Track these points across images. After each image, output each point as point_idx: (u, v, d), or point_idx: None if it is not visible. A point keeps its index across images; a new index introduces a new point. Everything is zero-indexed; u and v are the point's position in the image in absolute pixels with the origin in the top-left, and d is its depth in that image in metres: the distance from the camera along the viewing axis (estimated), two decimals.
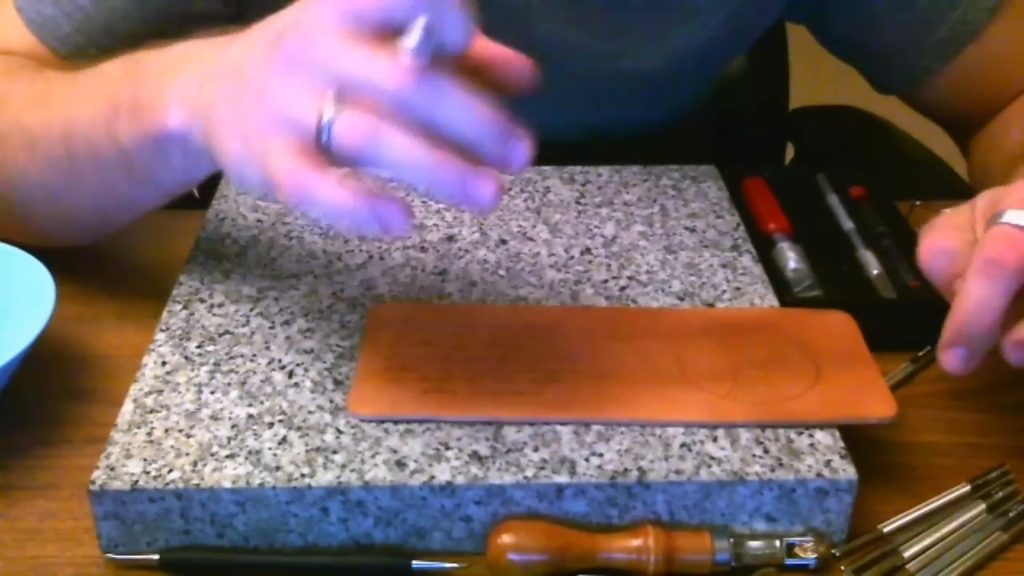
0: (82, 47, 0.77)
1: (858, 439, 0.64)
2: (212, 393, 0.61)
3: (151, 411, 0.59)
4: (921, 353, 0.71)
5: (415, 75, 0.51)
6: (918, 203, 0.82)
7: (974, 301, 0.57)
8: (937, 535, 0.58)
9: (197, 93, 0.59)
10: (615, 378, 0.61)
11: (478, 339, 0.59)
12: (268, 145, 0.53)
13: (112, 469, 0.56)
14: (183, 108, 0.59)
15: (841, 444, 0.58)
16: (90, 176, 0.68)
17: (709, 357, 0.63)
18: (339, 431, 0.58)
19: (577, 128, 0.89)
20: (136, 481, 0.55)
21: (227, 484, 0.55)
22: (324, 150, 0.51)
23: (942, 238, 0.60)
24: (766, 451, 0.57)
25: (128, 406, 0.60)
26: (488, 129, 0.51)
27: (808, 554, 0.56)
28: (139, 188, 0.67)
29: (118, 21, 0.77)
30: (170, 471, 0.55)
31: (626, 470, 0.56)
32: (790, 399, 0.60)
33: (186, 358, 0.63)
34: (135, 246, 0.78)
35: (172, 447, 0.57)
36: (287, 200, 0.52)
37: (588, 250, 0.73)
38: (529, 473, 0.56)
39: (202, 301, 0.68)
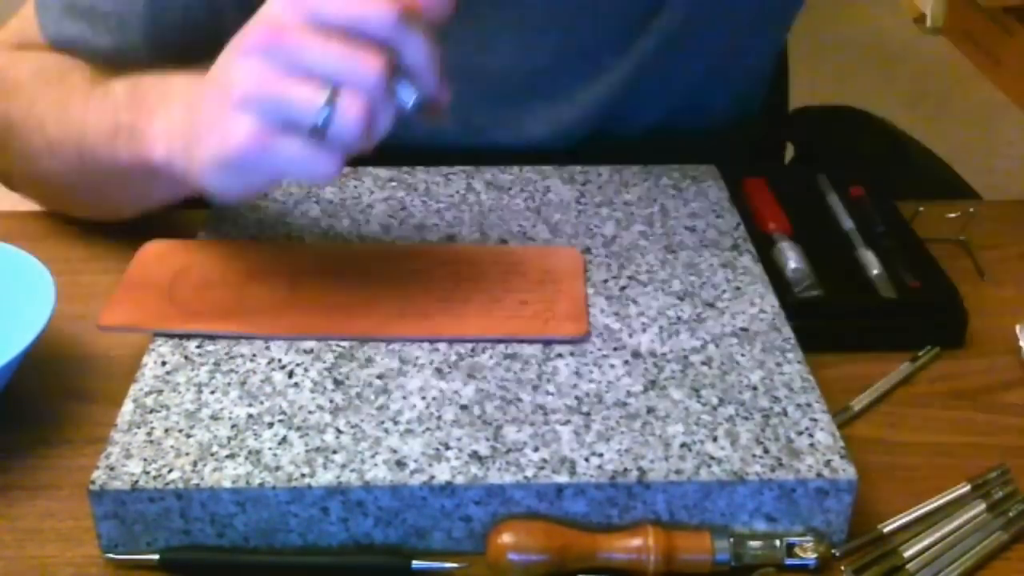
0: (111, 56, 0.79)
1: (858, 439, 0.64)
2: (212, 393, 0.61)
3: (151, 411, 0.59)
4: (921, 353, 0.71)
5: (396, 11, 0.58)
6: (922, 208, 0.82)
7: None
8: (937, 535, 0.58)
9: (180, 126, 0.64)
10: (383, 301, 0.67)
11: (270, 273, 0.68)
12: (274, 142, 0.58)
13: (112, 469, 0.56)
14: (166, 141, 0.65)
15: (841, 444, 0.58)
16: (100, 182, 0.73)
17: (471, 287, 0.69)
18: (339, 431, 0.58)
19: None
20: (136, 481, 0.55)
21: (227, 484, 0.55)
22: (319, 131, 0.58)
23: None
24: (766, 451, 0.57)
25: (128, 406, 0.60)
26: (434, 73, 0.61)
27: (808, 554, 0.56)
28: (140, 198, 0.73)
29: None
30: (170, 471, 0.55)
31: (626, 470, 0.56)
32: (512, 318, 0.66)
33: (186, 358, 0.63)
34: (135, 246, 0.77)
35: (172, 447, 0.57)
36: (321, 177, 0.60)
37: (588, 250, 0.73)
38: (529, 473, 0.56)
39: None
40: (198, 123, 0.62)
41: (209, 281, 0.69)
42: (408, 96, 0.60)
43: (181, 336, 0.65)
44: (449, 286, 0.69)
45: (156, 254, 0.71)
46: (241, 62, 0.59)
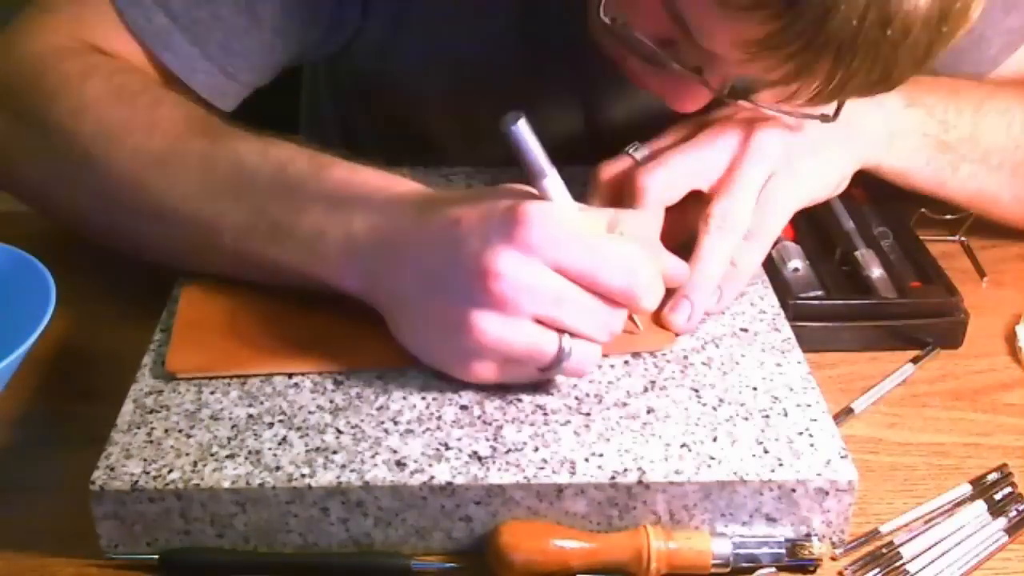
0: (193, 61, 0.75)
1: (858, 439, 0.64)
2: (212, 393, 0.61)
3: (151, 411, 0.59)
4: (921, 353, 0.71)
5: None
6: (922, 209, 0.82)
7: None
8: (937, 535, 0.58)
9: (378, 272, 0.61)
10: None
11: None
12: (509, 371, 0.59)
13: (112, 469, 0.56)
14: (362, 279, 0.62)
15: (841, 444, 0.58)
16: (229, 264, 0.67)
17: None
18: (339, 431, 0.58)
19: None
20: (136, 481, 0.55)
21: (227, 484, 0.55)
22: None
23: None
24: (766, 451, 0.57)
25: (128, 406, 0.60)
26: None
27: (808, 554, 0.56)
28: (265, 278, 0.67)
29: (238, 40, 0.76)
30: (170, 471, 0.55)
31: (626, 470, 0.56)
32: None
33: None
34: None
35: (172, 447, 0.57)
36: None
37: None
38: (529, 473, 0.56)
39: None
40: (431, 334, 0.60)
41: (272, 315, 0.65)
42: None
43: (264, 376, 0.62)
44: None
45: (203, 292, 0.67)
46: (481, 315, 0.57)
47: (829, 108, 0.67)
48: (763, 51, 0.57)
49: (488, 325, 0.57)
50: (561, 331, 0.58)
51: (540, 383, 0.61)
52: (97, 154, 0.69)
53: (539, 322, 0.58)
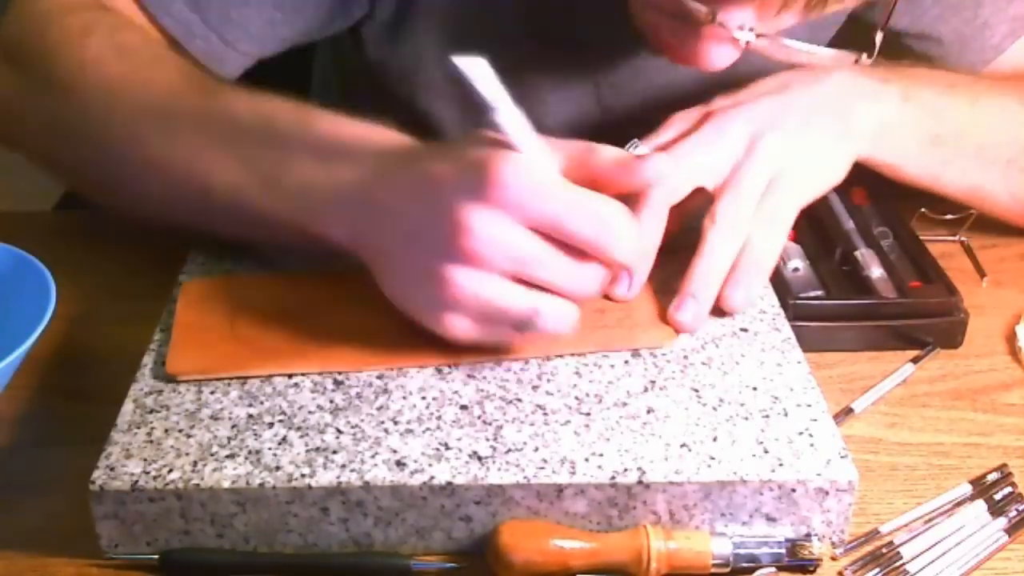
0: (192, 27, 0.75)
1: (858, 439, 0.64)
2: (212, 393, 0.61)
3: (151, 411, 0.59)
4: (921, 353, 0.71)
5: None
6: (922, 209, 0.82)
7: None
8: (937, 535, 0.58)
9: (362, 224, 0.61)
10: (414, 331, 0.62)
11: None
12: (485, 330, 0.60)
13: (112, 469, 0.56)
14: (347, 230, 0.62)
15: (841, 444, 0.58)
16: (223, 217, 0.68)
17: None
18: (339, 431, 0.58)
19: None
20: (136, 481, 0.55)
21: (227, 484, 0.55)
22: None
23: None
24: (766, 451, 0.57)
25: (128, 406, 0.60)
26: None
27: (808, 554, 0.56)
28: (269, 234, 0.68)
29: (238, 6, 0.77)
30: (170, 471, 0.55)
31: (626, 470, 0.56)
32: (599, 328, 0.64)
33: None
34: (135, 246, 0.78)
35: (172, 447, 0.57)
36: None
37: None
38: (529, 473, 0.56)
39: None
40: (409, 286, 0.60)
41: (271, 316, 0.65)
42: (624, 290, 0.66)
43: (264, 377, 0.62)
44: None
45: (200, 293, 0.67)
46: (454, 269, 0.57)
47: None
48: None
49: (461, 278, 0.57)
50: (535, 287, 0.58)
51: (539, 384, 0.61)
52: (96, 108, 0.70)
53: (515, 279, 0.58)
